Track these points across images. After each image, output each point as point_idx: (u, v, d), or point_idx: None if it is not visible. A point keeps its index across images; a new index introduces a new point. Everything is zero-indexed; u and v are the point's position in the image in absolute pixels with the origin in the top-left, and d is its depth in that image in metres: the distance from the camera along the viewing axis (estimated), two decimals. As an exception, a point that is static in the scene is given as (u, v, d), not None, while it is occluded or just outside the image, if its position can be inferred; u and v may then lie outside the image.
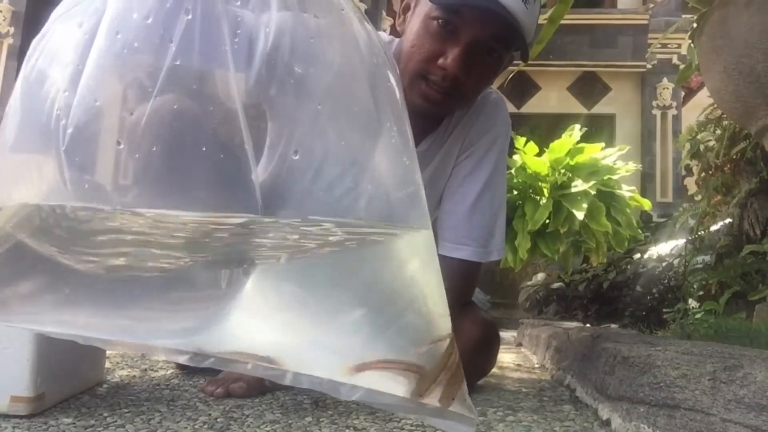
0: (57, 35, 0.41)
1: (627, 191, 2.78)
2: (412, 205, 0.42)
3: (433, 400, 0.42)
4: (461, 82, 0.98)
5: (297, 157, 0.37)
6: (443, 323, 0.43)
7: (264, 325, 0.42)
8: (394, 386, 0.40)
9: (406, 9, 1.05)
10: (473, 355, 1.11)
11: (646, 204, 2.87)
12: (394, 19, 1.12)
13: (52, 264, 0.40)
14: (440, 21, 0.94)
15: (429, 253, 0.43)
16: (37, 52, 0.42)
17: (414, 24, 0.99)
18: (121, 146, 0.36)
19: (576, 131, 2.84)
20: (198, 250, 0.39)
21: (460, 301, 1.19)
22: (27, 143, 0.41)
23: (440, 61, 0.95)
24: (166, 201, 0.35)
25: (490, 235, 1.17)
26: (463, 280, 1.18)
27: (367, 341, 0.42)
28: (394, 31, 1.14)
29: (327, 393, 0.42)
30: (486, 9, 0.91)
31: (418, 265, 0.43)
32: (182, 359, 0.42)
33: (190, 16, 0.37)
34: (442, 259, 1.17)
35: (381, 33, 1.13)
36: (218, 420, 0.82)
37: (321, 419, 0.84)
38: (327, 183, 0.39)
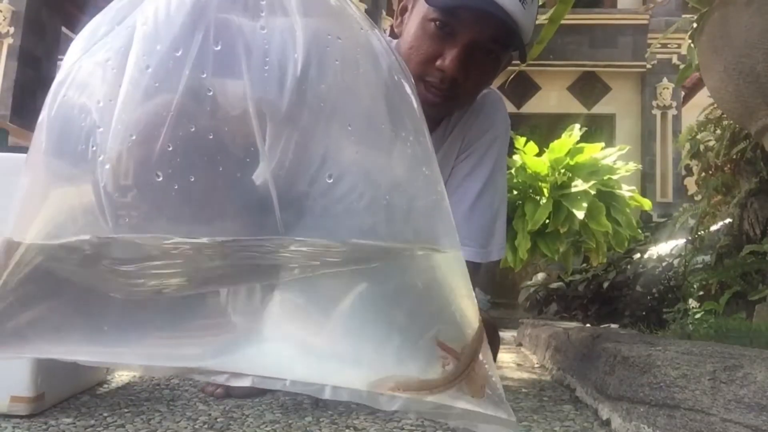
0: (83, 72, 0.41)
1: (627, 191, 2.78)
2: (438, 218, 0.43)
3: (465, 401, 0.42)
4: (459, 84, 0.98)
5: (331, 181, 0.38)
6: (474, 334, 0.44)
7: (295, 342, 0.42)
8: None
9: (404, 11, 1.05)
10: None
11: (646, 204, 2.87)
12: (400, 0, 1.11)
13: (83, 294, 0.41)
14: (438, 23, 0.94)
15: (458, 267, 0.44)
16: (63, 89, 0.42)
17: (412, 26, 0.99)
18: (161, 178, 0.36)
19: (576, 131, 2.84)
20: (225, 273, 0.39)
21: None
22: (59, 180, 0.41)
23: (438, 62, 0.95)
24: (201, 228, 0.37)
25: (489, 235, 1.16)
26: None
27: (399, 353, 0.42)
28: (392, 33, 1.14)
29: (366, 404, 0.42)
30: (483, 11, 0.91)
31: (446, 279, 0.44)
32: (221, 380, 0.42)
33: (218, 47, 0.37)
34: None
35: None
36: (218, 420, 0.82)
37: (321, 419, 0.84)
38: (355, 203, 0.40)
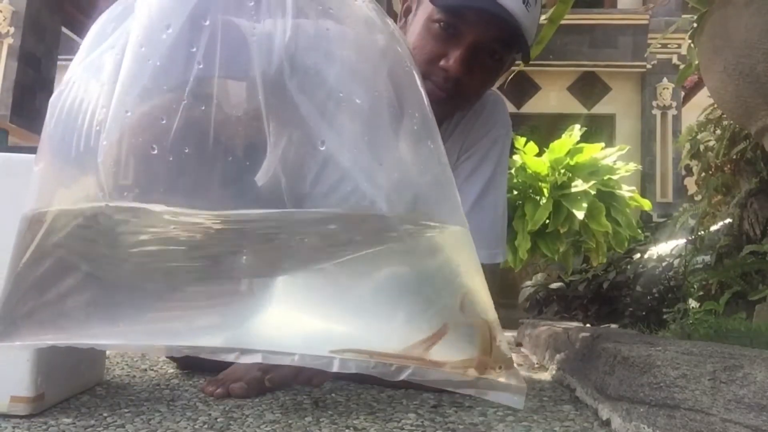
0: (93, 59, 0.44)
1: (627, 191, 2.78)
2: (443, 192, 0.45)
3: (477, 373, 0.44)
4: (463, 84, 0.98)
5: (323, 148, 0.38)
6: (484, 304, 0.45)
7: (302, 317, 0.43)
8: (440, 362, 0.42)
9: (408, 11, 1.05)
10: None
11: (646, 204, 2.87)
12: (395, 20, 1.12)
13: (88, 275, 0.43)
14: (442, 24, 0.94)
15: (466, 243, 0.45)
16: (76, 75, 0.44)
17: (416, 26, 0.99)
18: (155, 151, 0.38)
19: (576, 131, 2.84)
20: (228, 247, 0.40)
21: None
22: (67, 157, 0.44)
23: (442, 62, 0.96)
24: (197, 200, 0.38)
25: (493, 237, 1.16)
26: None
27: (407, 323, 0.44)
28: None
29: (377, 375, 0.42)
30: (487, 11, 0.91)
31: (453, 255, 0.45)
32: (231, 357, 0.43)
33: (207, 22, 0.38)
34: None
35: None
36: (218, 420, 0.82)
37: (321, 419, 0.84)
38: (353, 176, 0.40)
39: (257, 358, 0.42)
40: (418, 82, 0.51)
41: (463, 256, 0.46)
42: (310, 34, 0.40)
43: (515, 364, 0.48)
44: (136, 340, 0.44)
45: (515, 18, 0.92)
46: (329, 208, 0.40)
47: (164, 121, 0.37)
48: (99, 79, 0.41)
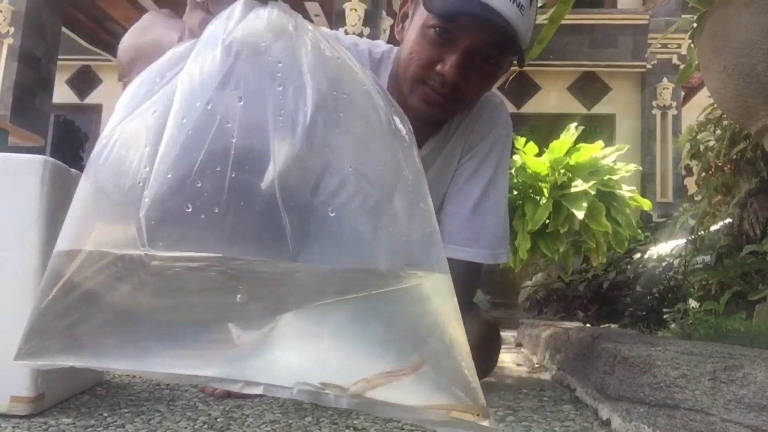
0: (133, 121, 0.51)
1: (627, 191, 2.78)
2: (430, 247, 0.51)
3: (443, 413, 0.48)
4: (460, 88, 0.99)
5: (333, 214, 0.46)
6: (462, 350, 0.51)
7: (299, 355, 0.49)
8: (402, 395, 0.47)
9: (404, 17, 1.07)
10: (474, 354, 1.11)
11: (646, 204, 2.86)
12: (394, 21, 1.13)
13: (115, 309, 0.49)
14: (437, 29, 0.96)
15: (448, 291, 0.51)
16: (116, 134, 0.51)
17: (412, 32, 1.01)
18: (189, 209, 0.46)
19: (572, 129, 2.84)
20: (241, 293, 0.48)
21: (460, 301, 1.19)
22: (107, 205, 0.52)
23: (438, 67, 0.97)
24: (223, 251, 0.46)
25: (496, 237, 1.16)
26: (464, 282, 1.18)
27: (389, 362, 0.49)
28: (393, 39, 1.15)
29: (354, 408, 0.47)
30: (482, 17, 0.92)
31: (436, 303, 0.51)
32: (236, 388, 0.47)
33: (241, 103, 0.48)
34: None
35: (380, 42, 1.17)
36: (218, 420, 0.82)
37: (321, 419, 0.84)
38: (355, 232, 0.48)
39: (259, 390, 0.47)
40: (415, 152, 0.56)
41: (445, 303, 0.52)
42: (329, 112, 0.49)
43: (489, 416, 0.50)
44: (151, 367, 0.50)
45: (509, 23, 0.93)
46: (336, 266, 0.48)
47: (199, 185, 0.46)
48: (142, 140, 0.49)
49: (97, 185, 0.52)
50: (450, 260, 1.14)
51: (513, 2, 0.93)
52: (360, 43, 1.14)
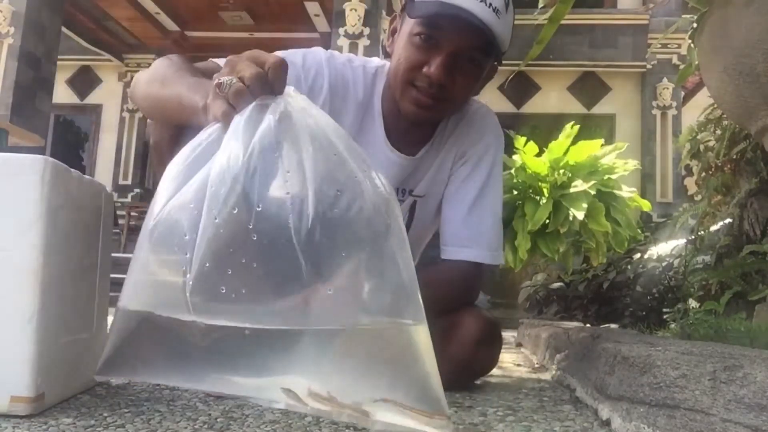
0: (176, 212, 0.65)
1: (627, 192, 2.78)
2: (409, 296, 0.64)
3: None
4: (447, 88, 1.07)
5: (330, 292, 0.62)
6: (436, 392, 0.62)
7: (309, 378, 0.63)
8: (402, 419, 0.61)
9: (393, 32, 1.16)
10: (475, 351, 1.13)
11: (646, 204, 2.86)
12: (390, 23, 1.21)
13: (172, 345, 0.65)
14: (422, 36, 1.05)
15: (425, 339, 0.64)
16: (164, 213, 0.65)
17: (400, 42, 1.11)
18: (224, 291, 0.62)
19: (569, 129, 2.84)
20: (261, 343, 0.63)
21: (461, 301, 1.20)
22: (159, 277, 0.67)
23: (425, 69, 1.06)
24: (250, 319, 0.62)
25: (494, 238, 1.21)
26: (463, 281, 1.20)
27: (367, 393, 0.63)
28: (386, 52, 1.23)
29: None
30: (460, 19, 1.02)
31: (413, 344, 0.64)
32: (263, 404, 0.66)
33: (260, 208, 0.62)
34: (444, 263, 1.21)
35: (374, 58, 1.27)
36: (218, 420, 0.82)
37: (321, 419, 0.84)
38: (352, 296, 0.64)
39: (281, 406, 0.63)
40: (401, 224, 0.68)
41: (422, 349, 0.64)
42: (327, 198, 0.63)
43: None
44: (198, 386, 0.72)
45: (487, 25, 1.02)
46: (336, 326, 0.64)
47: (229, 272, 0.62)
48: (183, 228, 0.63)
49: (150, 259, 0.67)
50: (451, 261, 1.18)
51: (489, 6, 1.03)
52: (354, 60, 1.22)
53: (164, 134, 1.00)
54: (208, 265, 0.61)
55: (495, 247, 1.20)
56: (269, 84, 0.68)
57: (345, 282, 0.63)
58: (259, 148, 0.64)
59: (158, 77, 0.93)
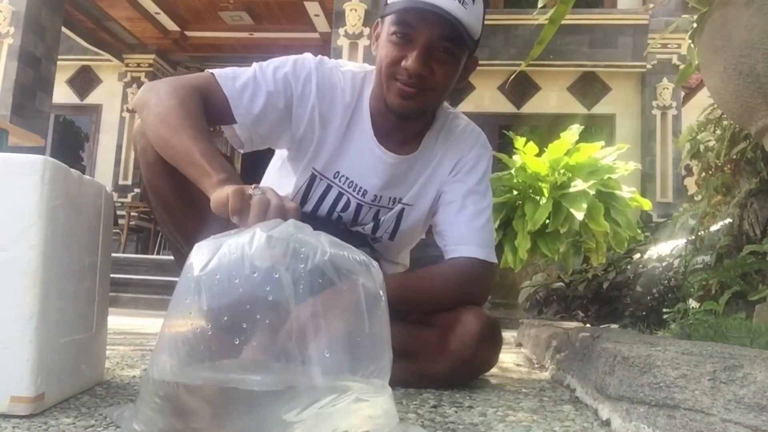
0: (187, 309, 0.74)
1: (627, 192, 2.78)
2: (382, 358, 0.76)
3: None
4: (426, 78, 1.16)
5: (328, 355, 0.72)
6: None
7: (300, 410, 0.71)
8: None
9: (377, 38, 1.25)
10: (476, 347, 1.14)
11: (646, 205, 2.86)
12: (374, 30, 1.29)
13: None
14: (398, 34, 1.16)
15: (389, 392, 0.76)
16: (190, 297, 0.73)
17: (381, 43, 1.21)
18: (237, 342, 0.72)
19: (574, 129, 2.84)
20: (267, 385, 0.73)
21: (461, 295, 1.21)
22: (183, 348, 0.73)
23: (403, 63, 1.15)
24: (251, 377, 0.73)
25: (488, 238, 1.29)
26: (461, 275, 1.23)
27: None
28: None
29: None
30: (428, 12, 1.11)
31: (382, 397, 0.75)
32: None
33: (277, 275, 0.73)
34: (445, 263, 1.25)
35: (363, 64, 1.35)
36: (218, 420, 0.82)
37: None
38: (336, 368, 0.72)
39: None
40: (383, 301, 0.78)
41: (388, 401, 0.75)
42: (313, 285, 0.73)
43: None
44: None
45: (454, 15, 1.11)
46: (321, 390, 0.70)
47: (237, 343, 0.73)
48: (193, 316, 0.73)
49: (179, 337, 0.74)
50: (454, 259, 1.20)
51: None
52: (343, 65, 1.30)
53: (160, 167, 1.11)
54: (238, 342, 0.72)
55: (487, 245, 1.27)
56: (285, 214, 0.83)
57: (331, 367, 0.71)
58: (261, 271, 0.73)
59: (171, 122, 1.04)
